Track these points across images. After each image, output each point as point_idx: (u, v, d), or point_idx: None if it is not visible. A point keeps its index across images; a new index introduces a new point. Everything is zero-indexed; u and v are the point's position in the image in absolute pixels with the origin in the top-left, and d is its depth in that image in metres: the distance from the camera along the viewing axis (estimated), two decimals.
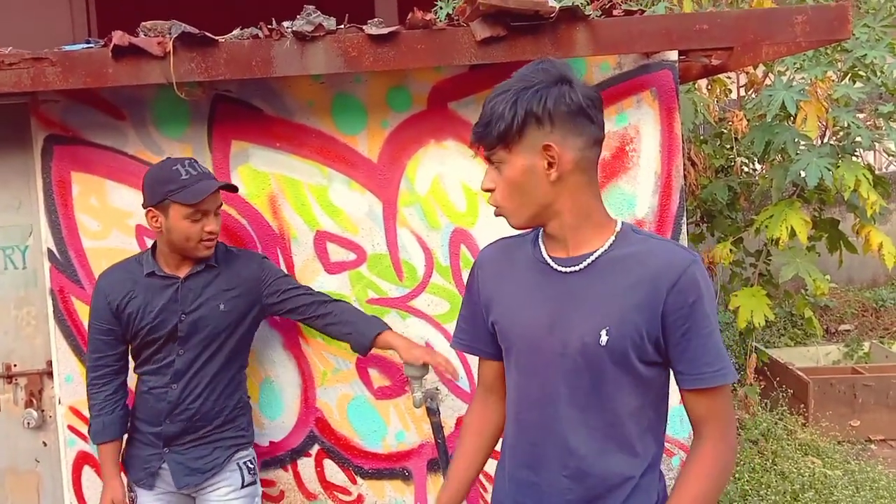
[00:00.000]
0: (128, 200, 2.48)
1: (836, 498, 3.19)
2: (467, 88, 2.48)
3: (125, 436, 2.24)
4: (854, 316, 5.81)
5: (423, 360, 2.19)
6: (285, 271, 2.35)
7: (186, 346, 2.14)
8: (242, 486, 2.22)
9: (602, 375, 1.34)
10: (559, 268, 1.38)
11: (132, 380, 2.27)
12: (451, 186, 2.50)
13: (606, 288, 1.34)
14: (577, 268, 1.37)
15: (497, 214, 1.39)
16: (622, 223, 1.41)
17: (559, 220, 1.36)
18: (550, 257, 1.40)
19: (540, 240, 1.44)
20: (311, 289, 2.31)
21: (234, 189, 2.23)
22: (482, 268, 1.53)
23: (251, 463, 2.27)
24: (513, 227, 1.39)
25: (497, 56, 2.20)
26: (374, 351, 2.29)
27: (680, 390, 1.37)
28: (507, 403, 1.51)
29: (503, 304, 1.45)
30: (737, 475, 3.53)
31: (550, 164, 1.32)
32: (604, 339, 1.31)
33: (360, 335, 2.23)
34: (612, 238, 1.37)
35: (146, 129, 2.47)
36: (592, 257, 1.36)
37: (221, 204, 2.17)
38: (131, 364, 2.25)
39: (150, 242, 2.48)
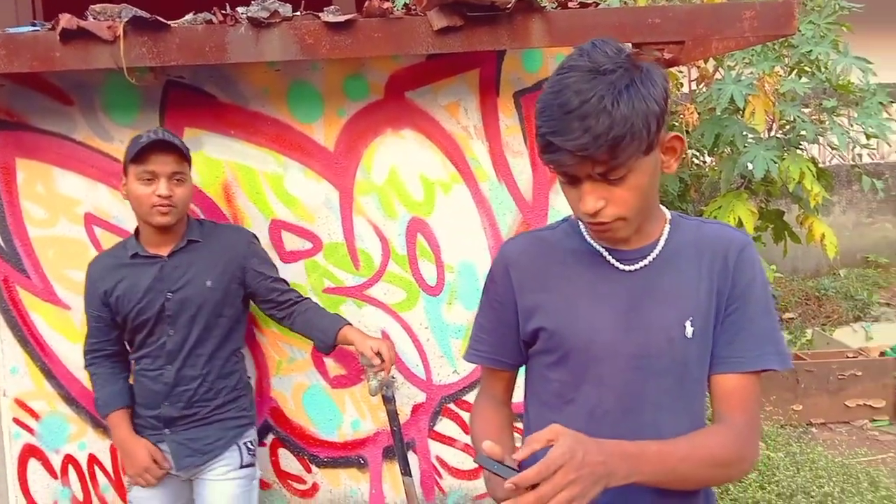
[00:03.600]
0: (76, 188, 2.42)
1: (777, 478, 3.31)
2: (424, 78, 2.48)
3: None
4: (798, 304, 6.00)
5: (377, 349, 2.19)
6: (270, 259, 2.32)
7: (176, 325, 2.11)
8: (241, 467, 2.20)
9: (687, 374, 1.23)
10: (623, 265, 1.24)
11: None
12: (408, 176, 2.50)
13: (678, 278, 1.23)
14: (645, 262, 1.24)
15: (603, 232, 1.18)
16: (669, 211, 1.31)
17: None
18: (609, 251, 1.25)
19: (584, 230, 1.29)
20: (288, 284, 2.30)
21: (178, 150, 2.10)
22: (515, 266, 1.31)
23: (251, 444, 2.25)
24: (620, 239, 1.21)
25: (454, 46, 2.21)
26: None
27: (717, 375, 1.24)
28: (547, 419, 1.19)
29: (555, 307, 1.26)
30: None
31: (675, 156, 1.19)
32: (689, 330, 1.20)
33: (323, 334, 2.23)
34: (668, 226, 1.27)
35: (95, 115, 2.42)
36: (658, 248, 1.25)
37: (183, 173, 2.10)
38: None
39: (98, 231, 2.44)
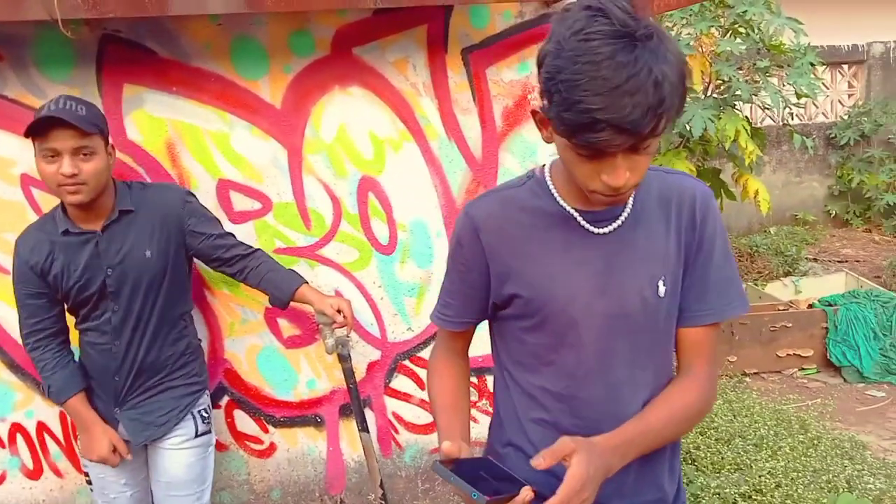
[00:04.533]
0: (10, 147, 2.31)
1: (716, 424, 3.46)
2: (371, 34, 2.44)
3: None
4: None
5: (336, 307, 2.18)
6: (211, 214, 2.21)
7: (119, 299, 2.01)
8: (196, 436, 2.14)
9: (658, 329, 1.24)
10: (596, 227, 1.21)
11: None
12: (358, 134, 2.47)
13: (649, 237, 1.22)
14: (617, 223, 1.21)
15: (614, 202, 1.12)
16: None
17: None
18: (580, 213, 1.21)
19: (553, 190, 1.23)
20: (234, 237, 2.21)
21: (78, 118, 1.88)
22: (484, 230, 1.26)
23: (205, 412, 2.19)
24: (620, 203, 1.16)
25: (402, 0, 2.18)
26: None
27: (685, 328, 1.27)
28: (525, 380, 1.30)
29: (530, 273, 1.23)
30: None
31: None
32: (662, 290, 1.21)
33: (279, 290, 2.18)
34: None
35: (26, 70, 2.29)
36: (628, 207, 1.22)
37: (89, 146, 1.90)
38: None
39: (37, 193, 2.34)
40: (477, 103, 2.51)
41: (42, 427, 2.40)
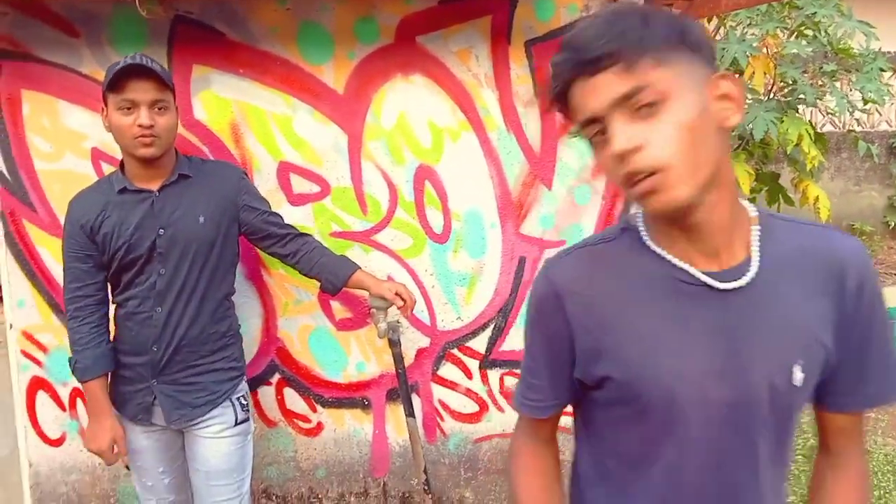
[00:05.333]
0: (82, 122, 2.38)
1: None
2: (436, 23, 2.43)
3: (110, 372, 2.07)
4: None
5: (394, 291, 2.18)
6: (262, 196, 2.21)
7: (167, 263, 1.98)
8: (235, 424, 2.10)
9: (789, 422, 1.00)
10: (716, 279, 0.96)
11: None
12: (417, 122, 2.47)
13: (783, 305, 0.96)
14: (739, 283, 0.96)
15: (648, 194, 0.88)
16: (755, 207, 1.02)
17: (716, 199, 0.92)
18: (693, 269, 0.97)
19: (652, 243, 1.00)
20: (283, 219, 2.20)
21: (157, 76, 1.91)
22: (568, 297, 1.02)
23: (244, 399, 2.14)
24: (673, 202, 0.88)
25: None
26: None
27: (835, 413, 1.07)
28: (624, 474, 1.06)
29: (626, 352, 0.98)
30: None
31: (735, 103, 0.91)
32: (798, 377, 0.96)
33: (333, 275, 2.17)
34: (758, 230, 0.99)
35: (101, 48, 2.36)
36: (756, 263, 0.96)
37: (165, 101, 1.94)
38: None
39: (105, 167, 2.40)
40: (538, 96, 2.49)
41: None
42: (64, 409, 2.48)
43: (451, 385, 2.61)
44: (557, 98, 0.93)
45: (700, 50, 0.89)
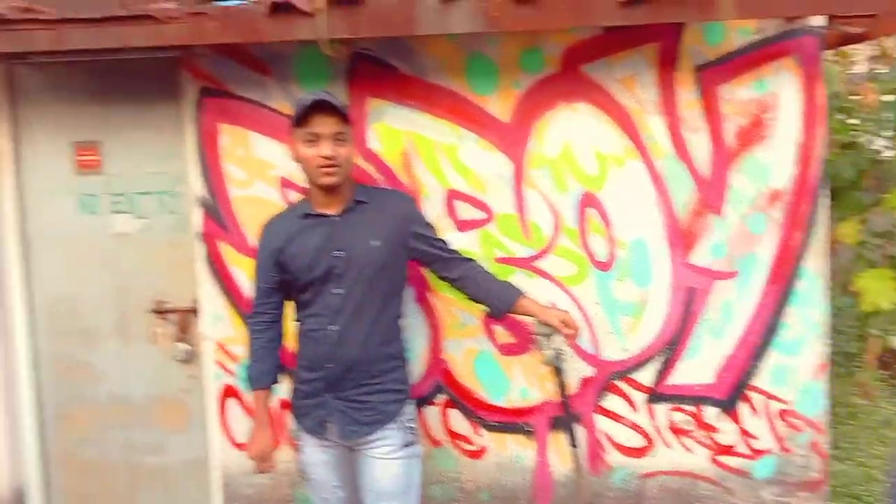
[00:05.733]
0: (271, 152, 2.60)
1: None
2: (601, 51, 2.46)
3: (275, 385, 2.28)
4: None
5: (560, 319, 2.20)
6: (431, 223, 2.34)
7: (342, 283, 2.13)
8: (403, 447, 2.19)
9: None
10: None
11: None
12: (581, 150, 2.48)
13: None
14: None
15: None
16: None
17: None
18: None
19: None
20: (450, 244, 2.31)
21: (338, 111, 2.08)
22: None
23: (412, 422, 2.25)
24: None
25: (638, 18, 2.17)
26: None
27: None
28: None
29: None
30: (858, 460, 3.39)
31: None
32: None
33: (498, 300, 2.26)
34: None
35: (288, 84, 2.58)
36: None
37: (344, 133, 2.10)
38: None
39: (291, 194, 2.60)
40: (707, 122, 2.40)
41: (285, 405, 2.68)
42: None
43: (616, 417, 2.57)
44: None
45: None
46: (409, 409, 2.26)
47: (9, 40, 2.38)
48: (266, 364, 2.25)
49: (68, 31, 2.35)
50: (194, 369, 2.87)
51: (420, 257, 2.28)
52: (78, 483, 2.98)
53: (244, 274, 2.68)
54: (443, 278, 2.32)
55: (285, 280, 2.21)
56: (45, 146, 2.87)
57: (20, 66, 2.81)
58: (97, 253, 2.89)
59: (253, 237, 2.65)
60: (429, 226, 2.29)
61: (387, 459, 2.17)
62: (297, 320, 2.26)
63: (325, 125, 2.08)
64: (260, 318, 2.25)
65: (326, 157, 2.08)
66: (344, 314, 2.14)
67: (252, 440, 2.25)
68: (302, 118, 2.10)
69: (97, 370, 2.94)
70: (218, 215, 2.68)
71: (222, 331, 2.72)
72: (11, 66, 2.81)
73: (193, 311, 2.83)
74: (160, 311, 2.88)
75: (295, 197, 2.60)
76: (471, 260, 2.31)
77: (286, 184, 2.62)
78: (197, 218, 2.69)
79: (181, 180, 2.79)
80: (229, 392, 2.74)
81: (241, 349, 2.71)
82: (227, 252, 2.69)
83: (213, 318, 2.72)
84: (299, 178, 2.59)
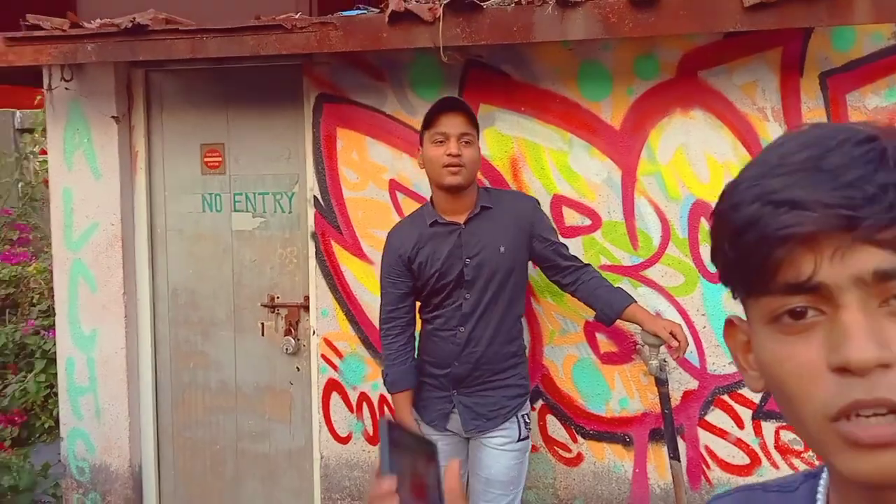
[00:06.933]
0: (384, 156, 2.64)
1: None
2: (720, 57, 2.36)
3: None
4: None
5: (669, 330, 2.12)
6: (552, 224, 2.33)
7: (472, 289, 2.15)
8: (519, 440, 2.22)
9: None
10: None
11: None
12: (695, 157, 2.39)
13: None
14: None
15: (876, 442, 0.48)
16: None
17: None
18: None
19: None
20: (569, 250, 2.28)
21: (466, 112, 2.14)
22: None
23: (528, 418, 2.27)
24: None
25: (765, 23, 2.06)
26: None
27: None
28: None
29: None
30: None
31: None
32: None
33: (608, 306, 2.20)
34: None
35: (403, 90, 2.61)
36: None
37: (471, 135, 2.13)
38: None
39: (400, 197, 2.64)
40: None
41: (383, 400, 2.71)
42: (352, 411, 2.75)
43: (720, 433, 2.45)
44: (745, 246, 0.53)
45: None
46: (527, 405, 2.29)
47: (151, 49, 2.53)
48: (405, 366, 2.23)
49: (205, 41, 2.47)
50: (301, 362, 2.95)
51: (538, 260, 2.28)
52: (188, 464, 3.11)
53: (353, 273, 2.73)
54: (556, 283, 2.30)
55: (415, 286, 2.22)
56: (176, 147, 3.02)
57: (156, 72, 2.99)
58: (217, 248, 3.00)
59: (364, 237, 2.71)
60: (551, 230, 2.30)
61: (501, 450, 2.20)
62: (424, 319, 2.28)
63: (452, 125, 2.11)
64: (394, 322, 2.24)
65: (452, 156, 2.09)
66: (473, 317, 2.18)
67: None
68: (430, 120, 2.14)
69: (210, 358, 3.06)
70: (331, 215, 2.74)
71: (329, 326, 2.76)
72: (148, 72, 3.00)
73: (303, 307, 2.91)
74: (272, 306, 2.97)
75: (403, 200, 2.65)
76: (587, 266, 2.28)
77: (396, 186, 2.66)
78: (311, 218, 2.78)
79: (298, 181, 2.88)
80: (333, 386, 2.78)
81: (345, 345, 2.74)
82: (338, 251, 2.75)
83: (322, 313, 2.79)
84: (410, 181, 2.64)
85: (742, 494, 0.73)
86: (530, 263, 2.30)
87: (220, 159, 2.98)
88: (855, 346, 0.48)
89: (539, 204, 2.31)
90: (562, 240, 2.30)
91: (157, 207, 3.06)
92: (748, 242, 0.52)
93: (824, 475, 0.64)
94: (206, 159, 2.99)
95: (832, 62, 2.29)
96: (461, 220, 2.18)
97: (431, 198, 2.24)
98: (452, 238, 2.17)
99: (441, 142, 2.10)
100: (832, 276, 0.49)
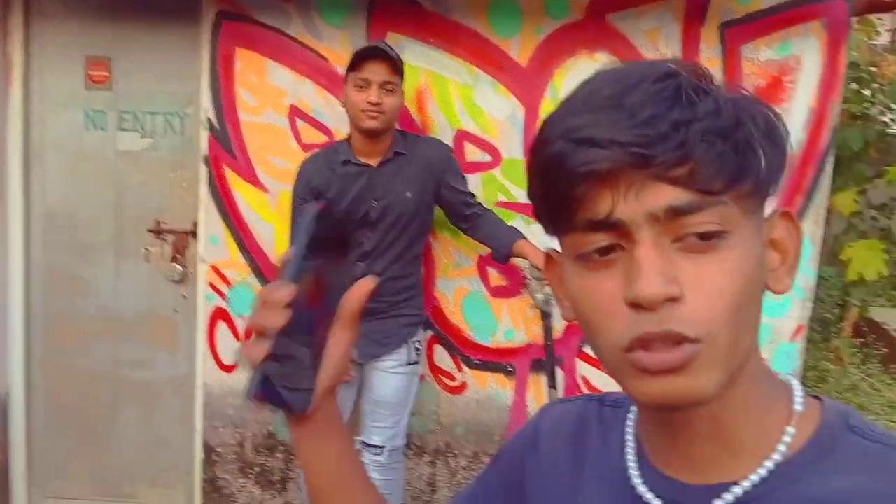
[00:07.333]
0: (285, 80, 2.55)
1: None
2: (628, 1, 2.38)
3: None
4: None
5: None
6: (463, 173, 2.38)
7: (375, 229, 2.22)
8: (407, 364, 2.34)
9: None
10: None
11: None
12: None
13: None
14: None
15: (668, 367, 0.50)
16: (824, 402, 0.60)
17: (735, 393, 0.56)
18: (662, 478, 0.60)
19: (633, 429, 0.66)
20: (474, 197, 2.36)
21: (391, 60, 2.17)
22: (536, 448, 0.73)
23: (419, 344, 2.39)
24: (700, 394, 0.52)
25: None
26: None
27: None
28: None
29: None
30: None
31: (787, 260, 0.58)
32: None
33: (500, 243, 2.30)
34: (790, 435, 0.57)
35: (309, 14, 2.52)
36: (752, 484, 0.56)
37: (394, 83, 2.17)
38: None
39: (300, 124, 2.56)
40: (727, 80, 2.38)
41: None
42: (239, 340, 2.67)
43: (596, 363, 2.55)
44: (548, 179, 0.53)
45: (778, 167, 0.54)
46: (420, 332, 2.39)
47: None
48: None
49: None
50: (187, 290, 2.83)
51: (443, 205, 2.34)
52: (61, 392, 2.93)
53: (246, 200, 2.63)
54: (457, 226, 2.38)
55: None
56: (57, 58, 2.76)
57: None
58: (101, 169, 2.79)
59: (259, 164, 2.61)
60: (462, 178, 2.35)
61: (391, 373, 2.30)
62: None
63: (375, 73, 2.13)
64: None
65: (372, 103, 2.12)
66: (372, 255, 2.23)
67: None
68: (355, 64, 2.15)
69: (89, 284, 2.88)
70: (226, 139, 2.62)
71: (218, 254, 2.65)
72: None
73: (191, 234, 2.79)
74: (158, 231, 2.83)
75: (303, 127, 2.58)
76: (488, 211, 2.36)
77: (296, 112, 2.57)
78: (204, 140, 2.63)
79: (191, 102, 2.72)
80: (220, 314, 2.68)
81: (234, 273, 2.65)
82: (232, 177, 2.63)
83: (211, 240, 2.68)
84: (310, 107, 2.56)
85: (581, 403, 0.74)
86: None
87: (106, 74, 2.77)
88: (644, 282, 0.49)
89: (452, 152, 2.36)
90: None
91: (33, 124, 2.81)
92: (552, 179, 0.53)
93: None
94: (90, 73, 2.77)
95: (733, 13, 2.35)
96: (374, 162, 2.22)
97: (349, 136, 2.26)
98: (362, 179, 2.21)
99: (363, 87, 2.14)
100: (628, 212, 0.50)
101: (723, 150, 0.49)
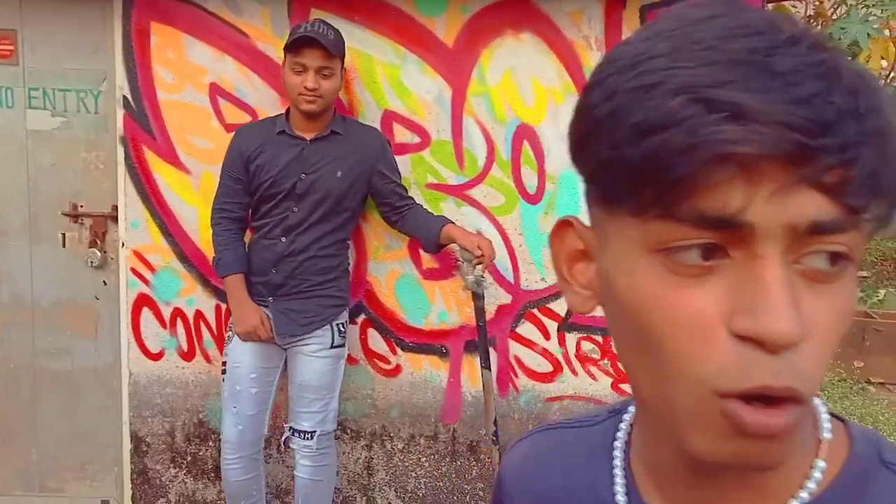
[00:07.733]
0: (204, 57, 2.43)
1: None
2: None
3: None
4: (873, 264, 5.78)
5: (477, 244, 2.23)
6: (397, 166, 2.37)
7: (301, 204, 2.21)
8: (332, 347, 2.32)
9: None
10: None
11: None
12: (522, 80, 2.43)
13: None
14: None
15: (763, 432, 0.38)
16: (850, 427, 0.51)
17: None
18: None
19: (622, 460, 0.55)
20: (407, 191, 2.36)
21: (326, 43, 2.12)
22: (511, 497, 0.64)
23: (343, 327, 2.37)
24: (778, 458, 0.41)
25: None
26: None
27: None
28: None
29: None
30: None
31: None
32: None
33: (429, 232, 2.30)
34: (834, 480, 0.47)
35: None
36: None
37: (332, 68, 2.16)
38: None
39: (221, 102, 2.46)
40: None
41: (199, 315, 2.57)
42: (165, 327, 2.59)
43: (529, 343, 2.59)
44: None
45: None
46: (344, 315, 2.37)
47: None
48: (237, 251, 2.28)
49: None
50: (108, 276, 2.71)
51: (374, 194, 2.33)
52: None
53: (167, 182, 2.52)
54: (387, 219, 2.38)
55: (249, 188, 2.25)
56: None
57: None
58: (9, 149, 2.61)
59: (179, 143, 2.49)
60: (395, 169, 2.34)
61: (314, 357, 2.30)
62: (252, 227, 2.31)
63: (312, 58, 2.12)
64: (225, 213, 2.28)
65: (308, 89, 2.11)
66: (296, 230, 2.22)
67: (241, 318, 2.26)
68: (291, 46, 2.12)
69: (1, 270, 2.73)
70: (143, 118, 2.49)
71: (140, 238, 2.54)
72: None
73: (111, 217, 2.66)
74: (74, 215, 2.69)
75: (224, 105, 2.47)
76: (416, 205, 2.35)
77: (217, 91, 2.46)
78: (120, 119, 2.49)
79: (105, 79, 2.56)
80: (144, 301, 2.59)
81: (157, 258, 2.55)
82: (151, 158, 2.51)
83: (132, 224, 2.57)
84: (232, 85, 2.46)
85: (540, 435, 0.67)
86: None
87: (11, 47, 2.59)
88: (776, 315, 0.37)
89: (389, 143, 2.34)
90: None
91: None
92: (662, 147, 0.37)
93: (628, 413, 0.57)
94: None
95: None
96: (309, 137, 2.21)
97: (287, 109, 2.25)
98: (294, 151, 2.20)
99: (300, 72, 2.13)
100: (765, 217, 0.37)
101: (887, 158, 0.37)
